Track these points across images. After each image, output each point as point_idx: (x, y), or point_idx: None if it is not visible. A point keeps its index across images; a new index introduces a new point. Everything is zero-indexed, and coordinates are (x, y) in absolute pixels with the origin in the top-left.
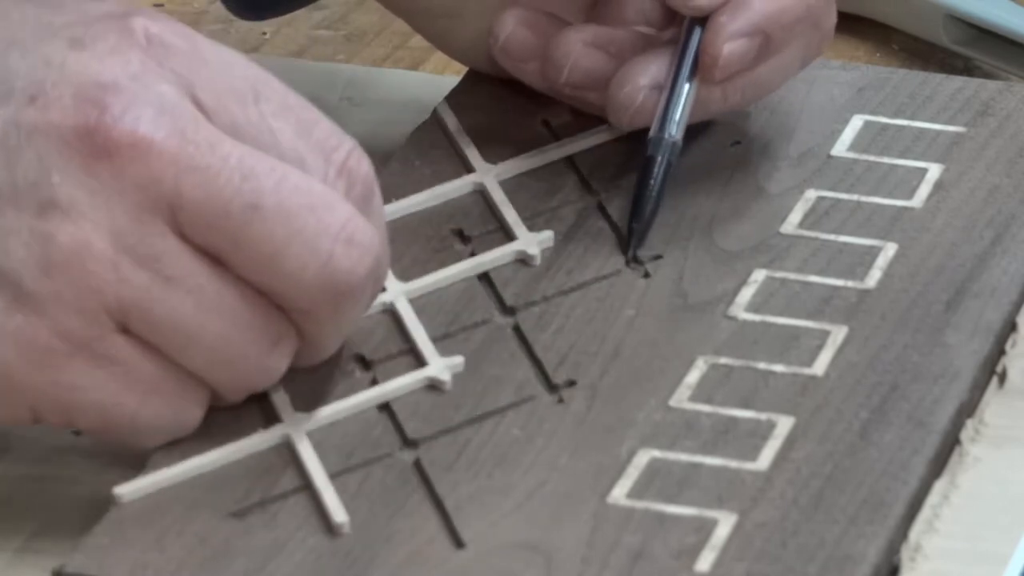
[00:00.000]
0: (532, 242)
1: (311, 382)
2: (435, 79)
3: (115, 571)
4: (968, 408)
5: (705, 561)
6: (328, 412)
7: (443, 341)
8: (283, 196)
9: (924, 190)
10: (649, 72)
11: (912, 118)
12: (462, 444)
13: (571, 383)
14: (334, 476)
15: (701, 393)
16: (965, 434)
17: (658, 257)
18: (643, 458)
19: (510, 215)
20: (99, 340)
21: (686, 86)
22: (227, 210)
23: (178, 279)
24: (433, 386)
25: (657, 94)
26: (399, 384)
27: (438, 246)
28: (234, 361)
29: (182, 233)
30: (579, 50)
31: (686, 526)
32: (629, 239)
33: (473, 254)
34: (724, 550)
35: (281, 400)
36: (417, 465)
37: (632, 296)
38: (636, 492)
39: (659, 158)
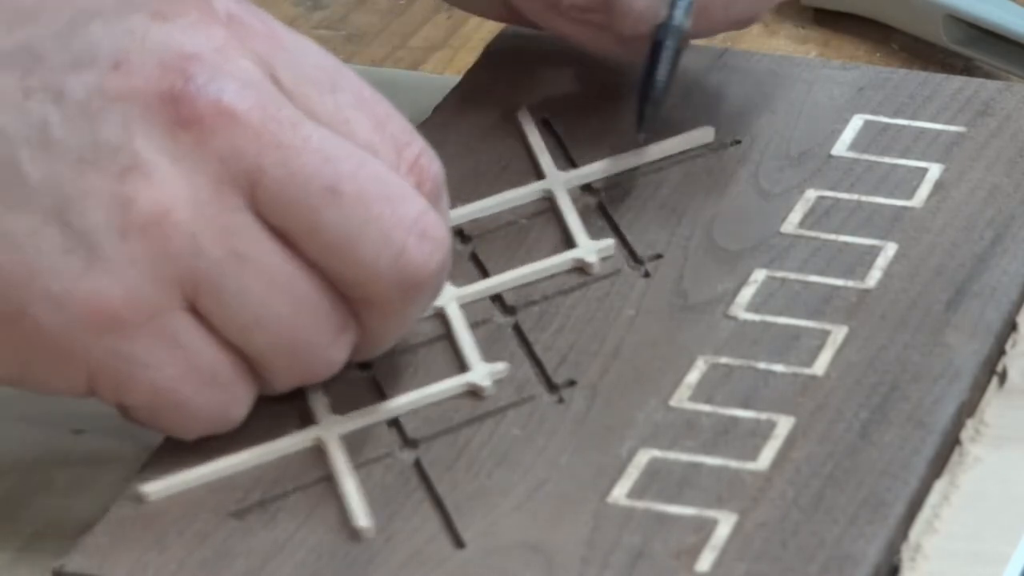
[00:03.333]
0: (592, 250)
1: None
2: (435, 79)
3: (115, 571)
4: (968, 408)
5: (705, 561)
6: (365, 418)
7: (444, 341)
8: (362, 182)
9: (924, 190)
10: None
11: (912, 118)
12: (462, 444)
13: (571, 383)
14: (332, 477)
15: (701, 393)
16: (965, 434)
17: (658, 257)
18: (643, 458)
19: (573, 222)
20: (168, 314)
21: None
22: (306, 190)
23: (251, 257)
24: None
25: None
26: (440, 388)
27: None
28: (296, 347)
29: (258, 211)
30: None
31: (686, 526)
32: (639, 123)
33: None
34: (724, 550)
35: (318, 402)
36: (417, 465)
37: (632, 296)
38: (636, 492)
39: (667, 42)
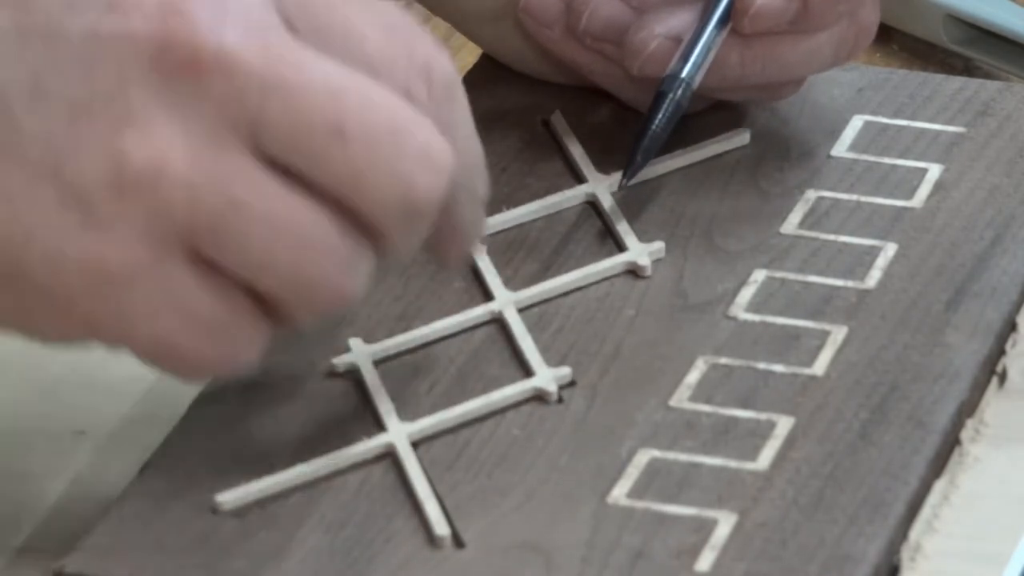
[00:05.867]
0: (643, 253)
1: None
2: None
3: (115, 571)
4: (968, 408)
5: (705, 561)
6: (433, 422)
7: (444, 341)
8: (367, 117)
9: (924, 190)
10: (667, 22)
11: (912, 118)
12: (462, 444)
13: (571, 383)
14: (334, 476)
15: (701, 393)
16: (965, 434)
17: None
18: (643, 458)
19: (621, 226)
20: (163, 267)
21: (709, 31)
22: (311, 131)
23: (250, 202)
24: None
25: (672, 44)
26: (506, 394)
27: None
28: (307, 285)
29: (258, 152)
30: None
31: (686, 526)
32: (627, 170)
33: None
34: (724, 550)
35: (385, 408)
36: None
37: (632, 296)
38: (636, 492)
39: (670, 94)
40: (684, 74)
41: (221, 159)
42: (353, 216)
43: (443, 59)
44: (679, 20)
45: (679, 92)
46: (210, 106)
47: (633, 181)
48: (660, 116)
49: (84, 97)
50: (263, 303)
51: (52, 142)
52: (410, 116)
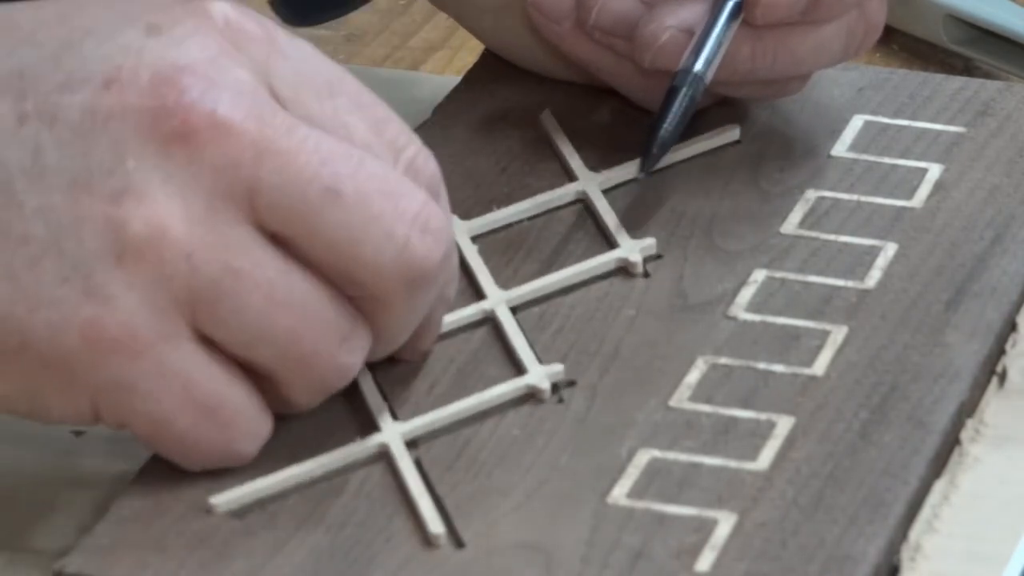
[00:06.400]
0: (634, 249)
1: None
2: (435, 79)
3: (115, 571)
4: (968, 408)
5: (705, 561)
6: (426, 421)
7: (443, 341)
8: (361, 181)
9: (924, 190)
10: (678, 14)
11: (912, 118)
12: (462, 444)
13: (571, 383)
14: (334, 476)
15: (701, 393)
16: (965, 434)
17: (658, 257)
18: (643, 458)
19: (611, 222)
20: (169, 342)
21: (720, 24)
22: (306, 194)
23: (247, 271)
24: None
25: (683, 37)
26: (498, 392)
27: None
28: (304, 357)
29: (256, 221)
30: None
31: (686, 526)
32: (643, 163)
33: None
34: (724, 550)
35: (378, 408)
36: (417, 465)
37: (632, 296)
38: (636, 492)
39: (683, 89)
40: (697, 68)
41: (218, 227)
42: (351, 288)
43: (429, 158)
44: (690, 12)
45: (693, 87)
46: (206, 173)
47: (645, 172)
48: (675, 110)
49: (83, 171)
50: (262, 386)
51: (52, 217)
52: (405, 182)
